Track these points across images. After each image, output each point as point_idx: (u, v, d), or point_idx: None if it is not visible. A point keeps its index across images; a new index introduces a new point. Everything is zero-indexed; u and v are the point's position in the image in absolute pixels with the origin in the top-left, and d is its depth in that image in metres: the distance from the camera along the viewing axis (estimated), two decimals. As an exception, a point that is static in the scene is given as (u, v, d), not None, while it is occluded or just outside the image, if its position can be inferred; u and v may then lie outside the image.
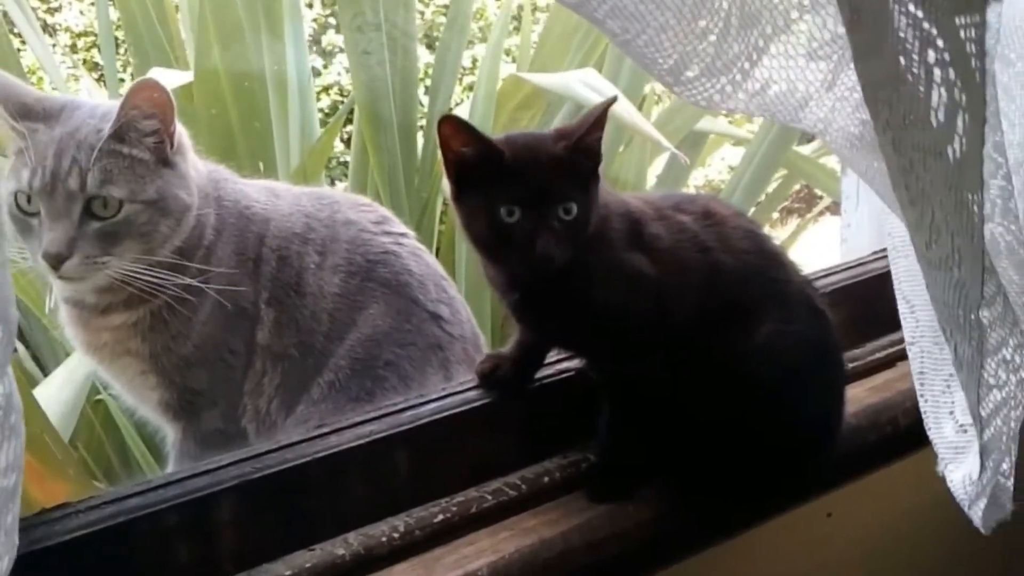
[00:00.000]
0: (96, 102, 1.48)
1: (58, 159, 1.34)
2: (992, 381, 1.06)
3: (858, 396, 1.49)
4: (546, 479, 1.30)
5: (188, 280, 1.40)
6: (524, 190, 1.15)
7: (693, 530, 1.33)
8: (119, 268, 1.38)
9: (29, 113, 1.37)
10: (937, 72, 0.87)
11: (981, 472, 1.12)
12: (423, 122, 2.56)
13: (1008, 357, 1.04)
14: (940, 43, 0.86)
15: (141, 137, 1.38)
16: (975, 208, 0.91)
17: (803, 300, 1.30)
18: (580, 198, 1.16)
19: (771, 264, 1.30)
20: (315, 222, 1.55)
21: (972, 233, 0.93)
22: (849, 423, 1.39)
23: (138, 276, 1.38)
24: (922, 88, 0.87)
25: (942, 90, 0.87)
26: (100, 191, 1.36)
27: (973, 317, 0.98)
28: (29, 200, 1.35)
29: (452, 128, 1.15)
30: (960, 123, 0.88)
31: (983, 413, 1.07)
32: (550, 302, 1.23)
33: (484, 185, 1.16)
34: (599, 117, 1.15)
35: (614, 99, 1.16)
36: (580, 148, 1.16)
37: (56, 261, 1.34)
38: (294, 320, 1.50)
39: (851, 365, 1.53)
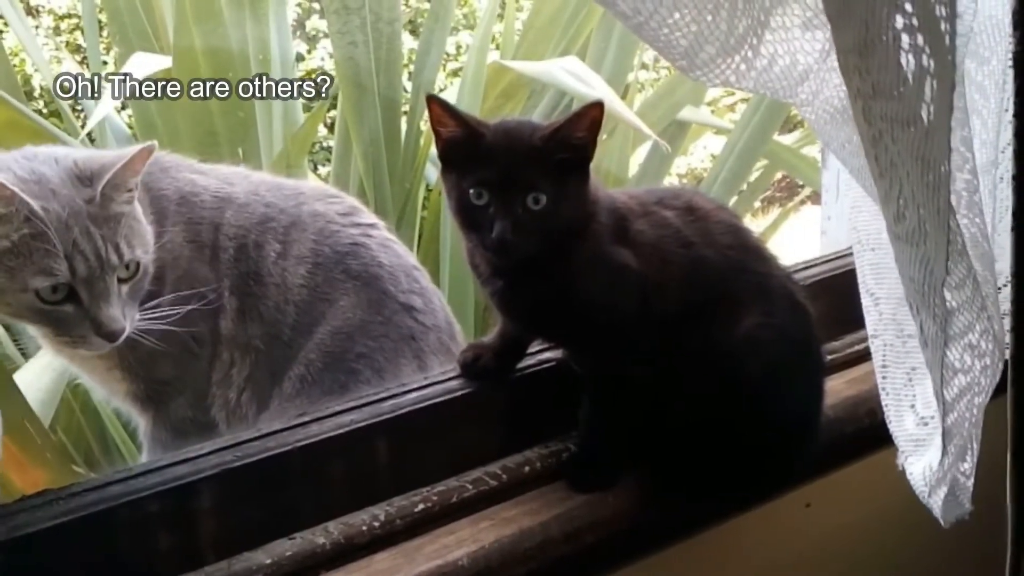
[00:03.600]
0: (33, 158, 1.36)
1: (89, 239, 1.30)
2: (958, 365, 1.06)
3: (836, 388, 1.50)
4: (527, 469, 1.30)
5: (189, 307, 1.40)
6: (494, 174, 1.15)
7: (672, 521, 1.33)
8: (142, 319, 1.38)
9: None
10: (905, 38, 0.87)
11: (943, 457, 1.13)
12: (407, 107, 2.55)
13: (974, 342, 1.04)
14: (908, 7, 0.86)
15: (122, 193, 1.35)
16: (941, 179, 0.91)
17: (785, 294, 1.31)
18: (551, 191, 1.15)
19: (753, 258, 1.30)
20: (275, 211, 1.54)
21: (937, 206, 0.93)
22: (827, 415, 1.40)
23: (155, 321, 1.38)
24: (890, 55, 0.87)
25: (910, 56, 0.87)
26: (132, 257, 1.34)
27: (937, 294, 0.99)
28: (55, 290, 1.29)
29: (439, 108, 1.16)
30: (928, 89, 0.88)
31: (947, 397, 1.08)
32: (533, 294, 1.23)
33: (462, 165, 1.18)
34: (581, 114, 1.15)
35: (600, 101, 1.15)
36: (555, 141, 1.16)
37: (116, 337, 1.32)
38: (257, 310, 1.50)
39: (830, 357, 1.55)
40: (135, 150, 1.34)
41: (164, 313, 1.38)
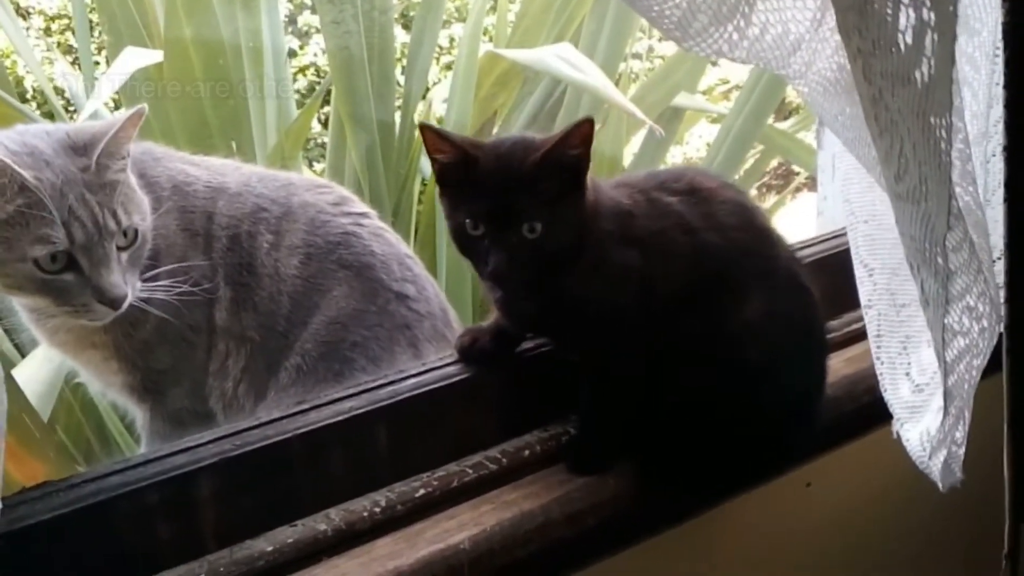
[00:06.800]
0: (24, 132, 1.35)
1: (86, 206, 1.29)
2: (957, 327, 1.06)
3: (835, 367, 1.49)
4: (527, 452, 1.30)
5: (186, 287, 1.40)
6: (488, 206, 1.15)
7: (672, 502, 1.34)
8: (143, 287, 1.38)
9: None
10: None
11: (943, 419, 1.13)
12: (400, 101, 2.55)
13: (972, 304, 1.04)
14: None
15: (117, 161, 1.35)
16: (942, 133, 0.92)
17: (789, 276, 1.30)
18: (548, 216, 1.14)
19: (759, 240, 1.29)
20: (266, 202, 1.54)
21: (939, 160, 0.93)
22: (826, 394, 1.40)
23: (156, 290, 1.38)
24: (890, 10, 0.88)
25: (910, 11, 0.87)
26: (130, 223, 1.34)
27: (940, 249, 0.99)
28: (54, 259, 1.28)
29: (432, 136, 1.16)
30: (928, 43, 0.88)
31: (948, 358, 1.08)
32: (535, 301, 1.23)
33: (457, 191, 1.18)
34: (571, 131, 1.14)
35: (590, 118, 1.14)
36: (548, 163, 1.14)
37: (120, 304, 1.32)
38: (251, 301, 1.50)
39: (828, 336, 1.54)
40: (126, 115, 1.34)
41: (165, 283, 1.38)
